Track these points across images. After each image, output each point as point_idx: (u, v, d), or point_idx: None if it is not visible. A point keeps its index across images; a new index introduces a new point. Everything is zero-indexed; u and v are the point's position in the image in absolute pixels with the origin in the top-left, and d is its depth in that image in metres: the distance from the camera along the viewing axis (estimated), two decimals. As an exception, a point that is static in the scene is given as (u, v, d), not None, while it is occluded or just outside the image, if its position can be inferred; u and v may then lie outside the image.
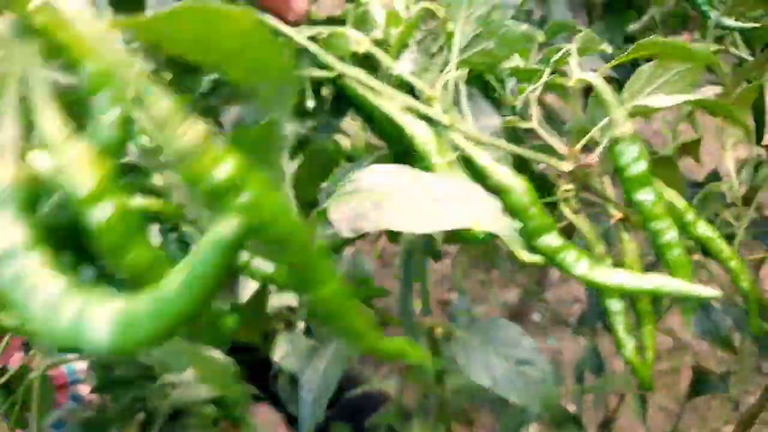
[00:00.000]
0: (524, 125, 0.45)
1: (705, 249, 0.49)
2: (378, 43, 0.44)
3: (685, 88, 0.46)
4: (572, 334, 1.18)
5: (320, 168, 0.53)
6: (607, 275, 0.37)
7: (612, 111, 0.38)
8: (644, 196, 0.39)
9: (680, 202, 0.48)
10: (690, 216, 0.48)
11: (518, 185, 0.38)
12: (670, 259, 0.40)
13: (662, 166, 0.59)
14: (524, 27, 0.39)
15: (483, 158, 0.39)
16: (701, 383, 1.10)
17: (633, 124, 0.39)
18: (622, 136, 0.38)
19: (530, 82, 0.46)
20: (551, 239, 0.38)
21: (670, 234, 0.40)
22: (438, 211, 0.29)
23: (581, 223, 0.48)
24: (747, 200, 0.64)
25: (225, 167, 0.15)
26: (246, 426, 0.85)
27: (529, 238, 0.39)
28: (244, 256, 0.46)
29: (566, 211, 0.47)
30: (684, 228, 0.49)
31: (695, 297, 0.35)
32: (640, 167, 0.38)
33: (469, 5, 0.38)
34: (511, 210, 0.39)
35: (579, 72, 0.39)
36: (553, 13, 0.83)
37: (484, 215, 0.29)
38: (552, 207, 0.49)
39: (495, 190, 0.39)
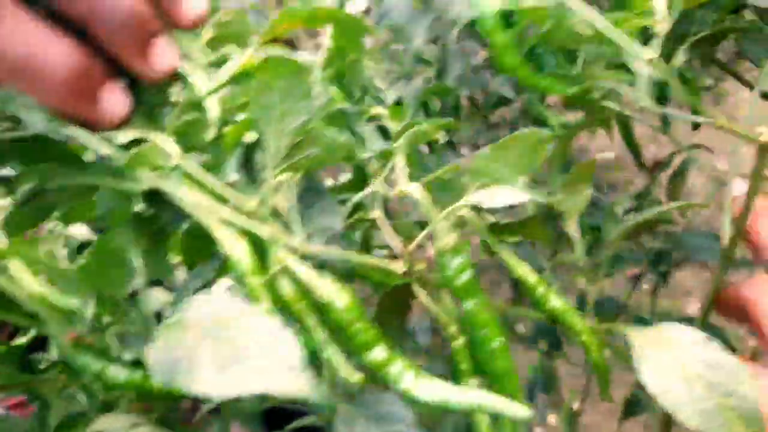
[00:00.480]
0: (370, 217, 0.44)
1: (558, 321, 0.50)
2: (212, 141, 0.43)
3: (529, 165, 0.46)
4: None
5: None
6: (430, 391, 0.37)
7: (433, 223, 0.38)
8: (470, 305, 0.39)
9: (532, 278, 0.49)
10: (541, 290, 0.49)
11: (341, 301, 0.37)
12: (495, 369, 0.40)
13: (529, 226, 0.59)
14: (344, 137, 0.38)
15: (304, 273, 0.38)
16: (634, 404, 1.12)
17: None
18: (445, 248, 0.38)
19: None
20: (377, 353, 0.38)
21: (495, 342, 0.40)
22: (233, 374, 0.28)
23: (433, 305, 0.48)
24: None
25: None
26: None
27: (355, 353, 0.38)
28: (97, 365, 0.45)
29: (418, 291, 0.47)
30: (537, 303, 0.49)
31: (510, 416, 0.35)
32: (465, 277, 0.38)
33: (280, 120, 0.36)
34: (336, 325, 0.38)
35: (404, 182, 0.39)
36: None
37: (280, 377, 0.28)
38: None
39: (320, 304, 0.38)
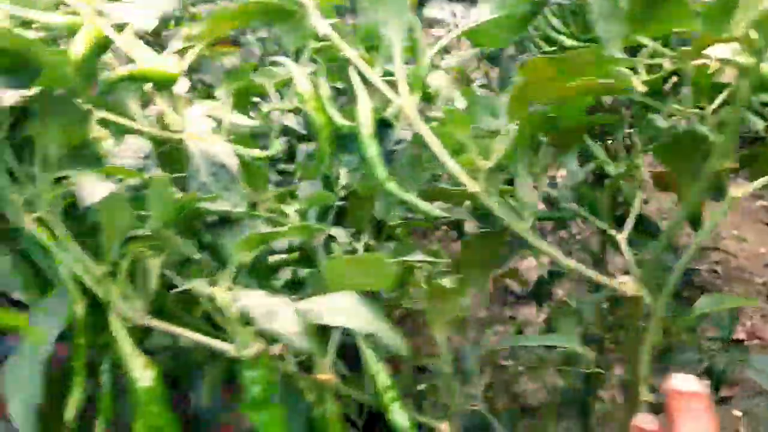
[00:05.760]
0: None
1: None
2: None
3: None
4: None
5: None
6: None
7: (235, 334, 0.40)
8: (261, 417, 0.40)
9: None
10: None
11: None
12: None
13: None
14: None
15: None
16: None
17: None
18: (244, 359, 0.40)
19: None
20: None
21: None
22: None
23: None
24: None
25: None
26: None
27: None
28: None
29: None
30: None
31: None
32: (256, 390, 0.40)
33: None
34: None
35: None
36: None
37: None
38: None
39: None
